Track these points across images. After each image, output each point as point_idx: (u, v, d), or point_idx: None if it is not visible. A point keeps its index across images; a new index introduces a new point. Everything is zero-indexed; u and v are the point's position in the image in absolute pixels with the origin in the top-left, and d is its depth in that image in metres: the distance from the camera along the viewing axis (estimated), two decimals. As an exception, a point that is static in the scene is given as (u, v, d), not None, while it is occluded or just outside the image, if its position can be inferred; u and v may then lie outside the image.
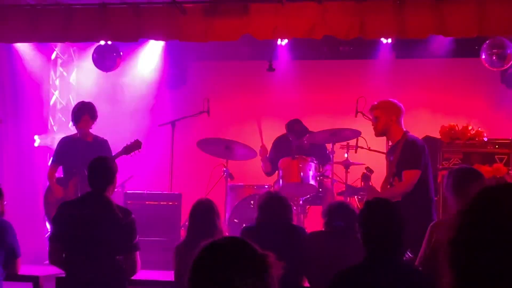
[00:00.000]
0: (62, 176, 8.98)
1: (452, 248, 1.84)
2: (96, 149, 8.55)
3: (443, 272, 1.90)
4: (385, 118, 7.28)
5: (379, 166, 9.58)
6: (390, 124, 7.27)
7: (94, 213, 5.83)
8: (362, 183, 7.58)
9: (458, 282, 1.81)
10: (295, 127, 9.53)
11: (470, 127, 9.17)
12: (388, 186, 7.21)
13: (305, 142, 9.45)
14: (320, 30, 8.60)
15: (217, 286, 2.36)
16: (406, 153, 7.05)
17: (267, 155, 9.82)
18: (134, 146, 8.66)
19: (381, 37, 10.10)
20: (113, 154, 8.62)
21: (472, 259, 1.77)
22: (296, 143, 9.47)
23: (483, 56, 9.91)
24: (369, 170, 7.59)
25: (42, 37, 9.41)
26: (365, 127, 9.56)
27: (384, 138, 9.48)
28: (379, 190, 7.37)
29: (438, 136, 9.21)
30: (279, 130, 10.24)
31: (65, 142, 9.00)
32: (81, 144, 8.76)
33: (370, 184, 7.51)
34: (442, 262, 1.83)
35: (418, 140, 7.26)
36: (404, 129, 7.29)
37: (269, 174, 9.89)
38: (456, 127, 9.18)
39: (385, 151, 9.48)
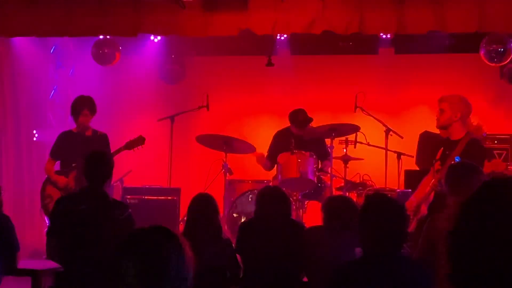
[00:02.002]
0: (60, 170, 8.95)
1: (452, 240, 1.83)
2: (95, 143, 8.52)
3: (442, 264, 1.90)
4: (450, 113, 7.19)
5: (378, 161, 9.61)
6: (454, 120, 7.18)
7: (91, 208, 5.83)
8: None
9: (457, 274, 1.81)
10: (299, 117, 9.50)
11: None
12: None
13: (305, 134, 9.42)
14: (319, 25, 8.59)
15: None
16: (472, 153, 6.90)
17: (265, 159, 9.77)
18: (137, 142, 8.64)
19: (380, 33, 10.11)
20: (112, 149, 8.60)
21: (472, 250, 1.77)
22: (297, 135, 9.42)
23: (482, 52, 9.90)
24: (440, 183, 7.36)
25: (41, 31, 9.38)
26: (364, 122, 9.58)
27: (383, 133, 9.54)
28: (428, 179, 7.25)
29: (437, 131, 9.19)
30: (278, 124, 10.23)
31: (64, 136, 8.96)
32: (80, 138, 8.72)
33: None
34: (441, 254, 1.82)
35: (482, 142, 7.22)
36: (467, 130, 7.21)
37: (268, 169, 9.88)
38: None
39: (383, 146, 9.50)
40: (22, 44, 10.79)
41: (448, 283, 1.83)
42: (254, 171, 10.30)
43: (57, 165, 8.94)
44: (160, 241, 2.51)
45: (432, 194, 7.03)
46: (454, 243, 1.82)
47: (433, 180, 7.05)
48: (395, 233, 4.25)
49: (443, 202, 6.52)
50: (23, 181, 10.87)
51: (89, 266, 5.73)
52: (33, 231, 10.36)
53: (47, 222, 10.42)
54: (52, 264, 6.53)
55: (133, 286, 2.41)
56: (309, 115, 9.67)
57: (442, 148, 7.27)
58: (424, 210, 7.02)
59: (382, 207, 4.33)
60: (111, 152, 8.33)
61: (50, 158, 8.96)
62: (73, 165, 8.57)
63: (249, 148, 9.65)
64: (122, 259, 2.44)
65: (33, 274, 6.91)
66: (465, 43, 10.54)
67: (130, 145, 8.67)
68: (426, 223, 5.44)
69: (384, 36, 10.54)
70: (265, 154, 9.78)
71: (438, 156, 7.25)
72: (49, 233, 6.05)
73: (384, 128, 9.57)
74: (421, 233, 5.43)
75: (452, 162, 6.71)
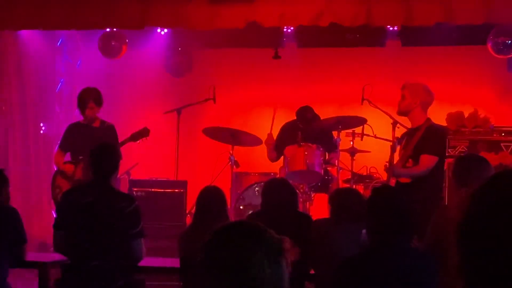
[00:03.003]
0: (69, 161, 8.97)
1: (462, 230, 1.82)
2: (103, 135, 8.53)
3: (452, 255, 1.88)
4: (409, 100, 7.32)
5: (385, 154, 9.57)
6: (413, 107, 7.31)
7: (98, 201, 5.83)
8: (390, 151, 7.49)
9: (467, 264, 1.79)
10: (306, 115, 9.49)
11: (476, 115, 9.14)
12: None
13: (313, 128, 9.41)
14: (326, 17, 8.56)
15: (232, 267, 2.33)
16: (428, 138, 7.12)
17: (273, 142, 9.77)
18: (141, 133, 8.63)
19: (387, 25, 10.08)
20: (120, 141, 8.61)
21: (482, 241, 1.76)
22: (304, 128, 9.42)
23: (490, 44, 9.87)
24: (399, 140, 7.55)
25: (48, 24, 9.37)
26: (371, 114, 9.55)
27: (390, 126, 9.50)
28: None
29: (444, 123, 9.17)
30: (285, 117, 10.22)
31: (72, 128, 8.97)
32: (87, 130, 8.73)
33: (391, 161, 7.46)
34: (451, 245, 1.81)
35: (442, 128, 7.30)
36: (427, 116, 7.31)
37: (273, 160, 9.87)
38: (463, 115, 9.15)
39: (391, 139, 9.47)
40: (28, 37, 10.79)
41: (458, 274, 1.81)
42: (261, 164, 10.30)
43: (67, 157, 8.97)
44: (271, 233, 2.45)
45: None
46: (464, 234, 1.80)
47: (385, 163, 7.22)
48: (402, 225, 4.24)
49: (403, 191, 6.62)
50: (30, 173, 10.89)
51: (96, 259, 5.73)
52: (40, 224, 10.38)
53: (54, 215, 10.48)
54: (59, 257, 6.54)
55: (269, 280, 2.37)
56: (316, 107, 9.67)
57: (405, 138, 7.43)
58: None
59: (389, 199, 4.33)
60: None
61: (59, 150, 8.99)
62: (80, 157, 8.58)
63: (256, 141, 9.65)
64: (255, 255, 2.38)
65: (40, 266, 6.93)
66: (473, 35, 10.49)
67: (135, 137, 8.67)
68: (435, 214, 5.42)
69: (391, 28, 10.51)
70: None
71: (402, 145, 7.42)
72: (56, 225, 6.06)
73: (391, 121, 9.51)
74: (429, 226, 5.40)
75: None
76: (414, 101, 7.31)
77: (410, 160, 7.17)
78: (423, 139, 7.14)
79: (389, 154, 7.38)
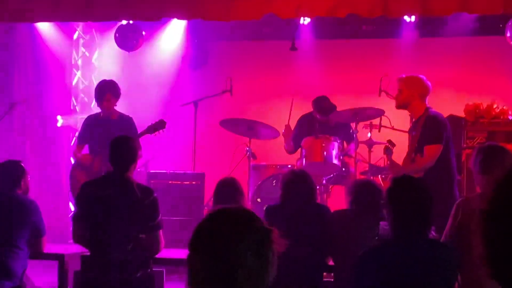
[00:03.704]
0: (88, 154, 9.02)
1: (487, 219, 1.82)
2: (121, 127, 8.56)
3: (475, 244, 1.89)
4: (407, 92, 7.37)
5: (403, 145, 9.56)
6: (412, 99, 7.35)
7: (116, 193, 5.85)
8: (385, 156, 7.59)
9: (492, 254, 1.80)
10: (323, 104, 9.48)
11: (494, 106, 9.10)
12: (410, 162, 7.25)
13: (330, 120, 9.41)
14: (343, 8, 8.53)
15: (216, 253, 2.35)
16: (428, 128, 7.14)
17: (292, 131, 9.76)
18: (158, 126, 8.62)
19: (404, 15, 10.04)
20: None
21: (507, 230, 1.76)
22: (321, 120, 9.42)
23: (508, 34, 9.82)
24: (391, 143, 7.58)
25: (64, 16, 9.38)
26: (389, 106, 9.51)
27: (408, 117, 9.47)
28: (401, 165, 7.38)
29: (462, 115, 9.14)
30: (302, 109, 10.21)
31: (90, 120, 9.03)
32: (106, 122, 8.77)
33: (392, 159, 7.50)
34: (474, 234, 1.81)
35: (439, 115, 7.29)
36: (427, 106, 7.32)
37: (291, 152, 9.87)
38: (481, 106, 9.12)
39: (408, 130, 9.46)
40: (44, 29, 10.83)
41: (483, 264, 1.82)
42: (278, 156, 10.30)
43: (85, 150, 9.02)
44: (261, 222, 2.48)
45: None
46: (490, 220, 1.81)
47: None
48: (423, 215, 4.24)
49: None
50: (47, 166, 10.94)
51: (115, 251, 5.76)
52: (57, 216, 10.43)
53: (72, 207, 10.54)
54: (78, 248, 6.59)
55: (253, 269, 2.39)
56: (333, 99, 9.65)
57: (412, 132, 7.51)
58: None
59: (409, 189, 4.33)
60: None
61: (78, 143, 9.05)
62: (98, 150, 8.62)
63: (273, 133, 9.65)
64: (241, 242, 2.40)
65: (60, 258, 6.97)
66: (491, 26, 10.46)
67: (151, 129, 8.66)
68: (456, 204, 5.41)
69: (408, 20, 10.47)
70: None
71: (410, 140, 7.52)
72: (75, 217, 6.09)
73: (409, 112, 9.52)
74: (450, 216, 5.39)
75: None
76: (412, 93, 7.35)
77: (417, 153, 7.16)
78: (423, 130, 7.17)
79: (387, 159, 7.44)
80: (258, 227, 2.42)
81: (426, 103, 7.37)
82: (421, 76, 7.54)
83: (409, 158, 7.29)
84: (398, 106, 7.59)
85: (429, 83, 7.46)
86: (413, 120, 7.52)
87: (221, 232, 2.38)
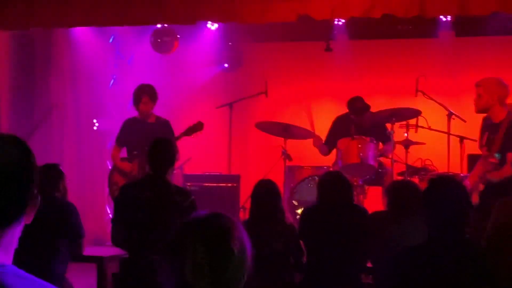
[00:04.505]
0: (125, 157, 9.10)
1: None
2: (158, 130, 8.66)
3: None
4: (486, 98, 7.27)
5: (440, 146, 9.54)
6: (492, 104, 7.25)
7: (155, 196, 5.92)
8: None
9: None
10: (357, 105, 9.49)
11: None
12: (491, 164, 7.10)
13: (365, 121, 9.40)
14: (379, 8, 8.51)
15: (174, 252, 2.55)
16: None
17: (322, 143, 9.75)
18: (196, 128, 8.71)
19: (440, 15, 10.00)
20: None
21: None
22: (357, 121, 9.42)
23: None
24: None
25: (100, 20, 9.47)
26: (426, 106, 9.53)
27: (445, 117, 9.47)
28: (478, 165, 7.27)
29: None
30: (337, 109, 10.22)
31: (128, 123, 9.12)
32: (143, 125, 8.87)
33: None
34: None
35: None
36: (508, 109, 7.25)
37: (326, 154, 9.87)
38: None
39: (446, 131, 9.43)
40: (81, 34, 10.93)
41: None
42: (313, 157, 10.29)
43: (123, 152, 9.11)
44: (227, 224, 2.58)
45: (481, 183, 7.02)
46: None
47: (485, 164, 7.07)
48: (460, 216, 4.23)
49: (494, 191, 6.54)
50: (84, 169, 11.04)
51: (154, 253, 5.82)
52: (95, 219, 10.52)
53: (108, 210, 10.64)
54: (117, 251, 6.66)
55: (201, 265, 2.47)
56: (369, 100, 9.64)
57: (487, 133, 7.29)
58: (475, 198, 7.00)
59: (447, 188, 4.32)
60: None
61: (116, 145, 9.15)
62: (135, 152, 8.71)
63: (309, 134, 9.67)
64: (192, 241, 2.51)
65: (99, 260, 7.06)
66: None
67: (190, 131, 8.74)
68: (496, 207, 5.38)
69: (444, 19, 10.42)
70: (323, 139, 9.77)
71: (484, 142, 7.30)
72: (114, 219, 6.16)
73: (446, 112, 9.50)
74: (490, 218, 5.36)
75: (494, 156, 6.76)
76: (492, 97, 7.23)
77: (495, 157, 7.06)
78: (507, 136, 7.03)
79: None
80: (210, 225, 2.57)
81: (507, 106, 7.30)
82: (498, 78, 7.44)
83: (487, 161, 7.16)
84: (478, 111, 7.49)
85: (507, 84, 7.35)
86: (491, 122, 7.36)
87: (177, 234, 2.61)
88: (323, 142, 9.71)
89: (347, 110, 9.70)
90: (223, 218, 2.61)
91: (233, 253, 2.50)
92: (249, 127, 10.22)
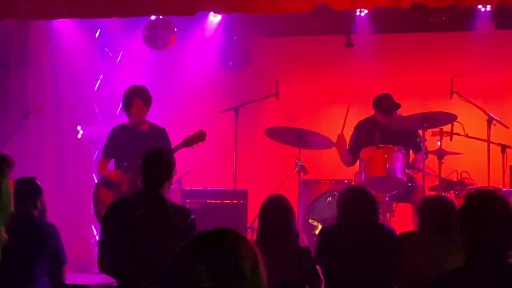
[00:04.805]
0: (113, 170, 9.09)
1: None
2: (152, 139, 8.61)
3: None
4: None
5: (479, 156, 9.52)
6: None
7: (149, 214, 5.91)
8: None
9: None
10: (385, 102, 9.45)
11: None
12: None
13: (393, 124, 9.35)
14: (407, -3, 8.55)
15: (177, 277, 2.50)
16: None
17: (346, 148, 9.73)
18: (197, 138, 8.61)
19: (478, 5, 9.99)
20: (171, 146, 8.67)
21: None
22: (383, 125, 9.38)
23: None
24: None
25: (84, 12, 9.50)
26: (462, 110, 9.50)
27: (485, 123, 9.45)
28: None
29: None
30: (359, 114, 10.20)
31: (117, 131, 9.08)
32: (135, 134, 8.83)
33: None
34: None
35: None
36: None
37: (349, 165, 9.84)
38: None
39: (485, 138, 9.41)
40: (63, 27, 10.94)
41: None
42: (333, 169, 10.29)
43: (111, 166, 9.09)
44: (234, 241, 2.54)
45: None
46: None
47: None
48: (504, 237, 4.21)
49: None
50: (66, 184, 11.03)
51: (147, 281, 5.80)
52: (79, 241, 10.50)
53: (95, 231, 10.63)
54: (104, 279, 6.64)
55: None
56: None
57: None
58: None
59: (487, 205, 4.29)
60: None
61: (103, 157, 9.09)
62: (125, 164, 8.68)
63: (327, 142, 9.64)
64: (192, 263, 2.48)
65: (83, 290, 7.05)
66: None
67: (189, 142, 8.67)
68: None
69: (483, 9, 10.41)
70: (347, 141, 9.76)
71: None
72: (101, 243, 6.15)
73: (486, 117, 9.48)
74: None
75: None
76: None
77: None
78: None
79: None
80: (219, 248, 2.52)
81: None
82: None
83: None
84: None
85: None
86: None
87: (179, 254, 2.54)
88: (347, 148, 9.69)
89: (372, 113, 9.67)
90: (230, 233, 2.56)
91: (244, 276, 2.46)
92: (258, 134, 10.22)
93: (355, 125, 9.91)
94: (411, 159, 9.35)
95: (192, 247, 2.54)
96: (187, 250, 2.54)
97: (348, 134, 9.88)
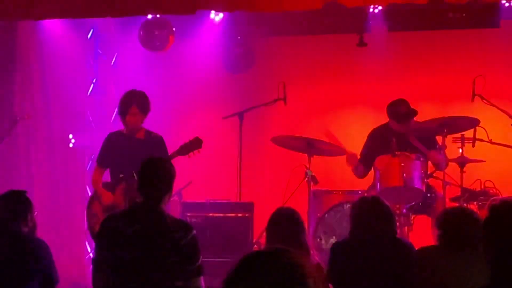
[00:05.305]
0: (109, 181, 9.07)
1: None
2: (149, 148, 8.61)
3: None
4: None
5: (504, 164, 9.52)
6: None
7: (147, 230, 5.89)
8: None
9: None
10: (401, 109, 9.44)
11: None
12: None
13: (409, 132, 9.34)
14: (425, -8, 8.56)
15: None
16: None
17: (357, 161, 9.71)
18: (193, 145, 8.63)
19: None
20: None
21: None
22: (399, 132, 9.37)
23: None
24: None
25: (76, 11, 9.50)
26: (485, 114, 9.49)
27: (510, 128, 9.43)
28: None
29: None
30: (373, 119, 10.20)
31: (112, 139, 9.08)
32: (130, 142, 8.84)
33: None
34: None
35: None
36: None
37: (361, 176, 9.84)
38: None
39: (511, 145, 9.39)
40: (52, 28, 10.96)
41: None
42: (345, 180, 10.29)
43: (106, 176, 9.08)
44: (298, 259, 2.50)
45: None
46: None
47: None
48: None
49: None
50: (58, 197, 11.04)
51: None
52: (71, 259, 10.52)
53: (88, 247, 10.63)
54: (99, 300, 6.63)
55: None
56: (413, 107, 9.63)
57: None
58: None
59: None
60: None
61: (97, 167, 9.09)
62: (121, 175, 8.68)
63: (339, 150, 9.64)
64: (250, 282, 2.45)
65: (77, 312, 7.05)
66: None
67: (185, 150, 8.65)
68: None
69: (507, 4, 10.41)
70: (358, 156, 9.74)
71: None
72: (95, 260, 6.14)
73: (511, 121, 9.48)
74: None
75: None
76: None
77: None
78: None
79: None
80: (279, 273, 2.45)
81: None
82: None
83: None
84: None
85: None
86: None
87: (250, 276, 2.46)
88: (358, 160, 9.67)
89: (386, 119, 9.67)
90: (291, 252, 2.51)
91: None
92: (264, 142, 10.22)
93: (368, 133, 9.89)
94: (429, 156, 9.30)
95: (253, 265, 2.49)
96: (246, 269, 2.50)
97: (350, 145, 9.82)
